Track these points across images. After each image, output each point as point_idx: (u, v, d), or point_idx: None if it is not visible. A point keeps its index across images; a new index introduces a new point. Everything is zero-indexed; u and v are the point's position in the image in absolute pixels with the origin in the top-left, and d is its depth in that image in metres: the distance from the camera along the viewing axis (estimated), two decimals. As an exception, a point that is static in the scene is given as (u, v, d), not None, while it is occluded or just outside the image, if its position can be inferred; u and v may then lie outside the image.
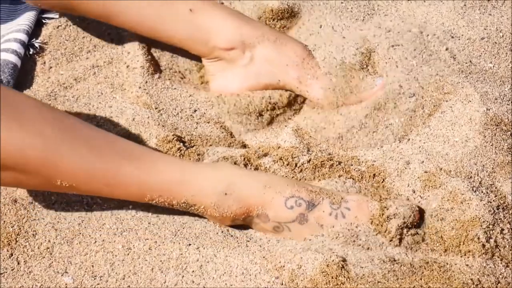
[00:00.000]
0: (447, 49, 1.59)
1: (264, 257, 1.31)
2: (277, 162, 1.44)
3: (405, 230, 1.33)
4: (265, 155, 1.46)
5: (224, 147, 1.48)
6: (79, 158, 1.27)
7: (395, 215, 1.32)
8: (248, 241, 1.35)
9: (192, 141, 1.49)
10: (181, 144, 1.46)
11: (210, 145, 1.49)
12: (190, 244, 1.33)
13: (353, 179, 1.43)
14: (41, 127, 1.25)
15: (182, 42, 1.56)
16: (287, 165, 1.43)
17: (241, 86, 1.56)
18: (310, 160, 1.43)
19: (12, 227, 1.34)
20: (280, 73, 1.55)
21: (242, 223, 1.37)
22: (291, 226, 1.35)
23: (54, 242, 1.34)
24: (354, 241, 1.32)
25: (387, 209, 1.33)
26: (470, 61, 1.58)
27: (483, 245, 1.30)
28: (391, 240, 1.32)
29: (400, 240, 1.32)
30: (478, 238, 1.31)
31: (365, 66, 1.54)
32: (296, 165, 1.43)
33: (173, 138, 1.45)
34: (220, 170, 1.35)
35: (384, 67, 1.54)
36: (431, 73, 1.53)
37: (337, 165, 1.44)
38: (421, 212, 1.36)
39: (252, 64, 1.55)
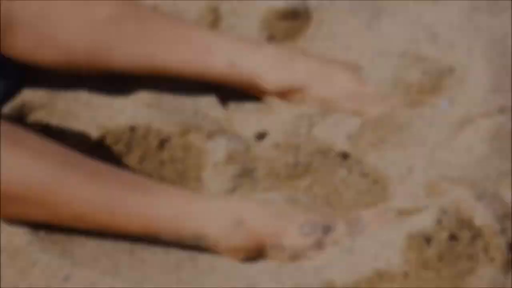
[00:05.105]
0: None
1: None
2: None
3: None
4: (264, 135, 1.49)
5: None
6: (81, 187, 1.25)
7: None
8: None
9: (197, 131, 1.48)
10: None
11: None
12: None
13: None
14: (43, 156, 1.24)
15: (230, 86, 1.56)
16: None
17: None
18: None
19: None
20: (336, 106, 1.53)
21: (257, 256, 1.32)
22: (309, 253, 1.30)
23: None
24: None
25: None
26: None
27: (488, 255, 1.29)
28: None
29: None
30: (483, 248, 1.29)
31: (431, 87, 1.51)
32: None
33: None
34: (230, 201, 1.34)
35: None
36: None
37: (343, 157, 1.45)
38: None
39: (305, 104, 1.54)
